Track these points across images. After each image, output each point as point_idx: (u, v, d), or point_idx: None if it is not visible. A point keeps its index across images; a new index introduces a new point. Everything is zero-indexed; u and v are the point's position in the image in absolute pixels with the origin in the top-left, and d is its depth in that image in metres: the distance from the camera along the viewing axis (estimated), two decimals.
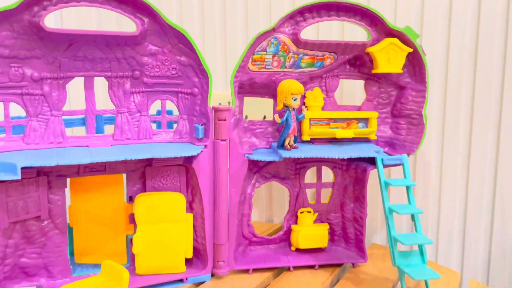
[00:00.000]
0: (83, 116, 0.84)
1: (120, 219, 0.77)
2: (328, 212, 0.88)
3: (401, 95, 0.82)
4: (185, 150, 0.72)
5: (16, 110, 0.70)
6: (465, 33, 0.88)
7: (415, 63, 0.80)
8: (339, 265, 0.84)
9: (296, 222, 0.87)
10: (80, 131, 0.90)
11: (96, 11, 1.12)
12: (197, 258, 0.81)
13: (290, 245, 0.88)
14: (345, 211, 0.87)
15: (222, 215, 0.78)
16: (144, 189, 0.78)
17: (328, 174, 0.89)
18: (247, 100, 0.82)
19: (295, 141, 0.79)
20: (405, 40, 0.77)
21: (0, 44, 0.64)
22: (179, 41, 0.73)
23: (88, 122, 0.74)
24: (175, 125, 0.79)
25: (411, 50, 0.78)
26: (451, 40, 0.90)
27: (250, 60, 0.77)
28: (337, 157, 0.76)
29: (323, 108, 0.83)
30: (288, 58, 0.78)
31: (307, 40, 0.77)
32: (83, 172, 0.73)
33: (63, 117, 0.72)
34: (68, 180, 0.73)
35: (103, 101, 0.82)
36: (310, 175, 0.90)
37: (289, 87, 0.76)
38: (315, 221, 0.87)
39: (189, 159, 0.75)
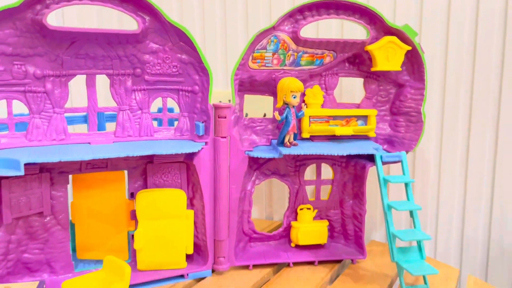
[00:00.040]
0: (84, 113, 0.85)
1: (121, 215, 0.78)
2: (327, 209, 0.89)
3: (400, 93, 0.83)
4: (186, 147, 0.73)
5: (19, 107, 0.70)
6: (463, 31, 0.89)
7: (413, 61, 0.81)
8: (339, 261, 0.85)
9: (295, 219, 0.88)
10: (81, 128, 0.90)
11: (97, 9, 1.12)
12: (197, 254, 0.82)
13: (289, 241, 0.88)
14: (345, 207, 0.87)
15: (222, 211, 0.78)
16: (145, 186, 0.78)
17: (327, 171, 0.89)
18: (247, 98, 0.83)
19: (294, 138, 0.80)
20: (404, 38, 0.78)
21: (3, 42, 0.64)
22: (180, 39, 0.73)
23: (90, 119, 0.75)
24: (176, 123, 0.80)
25: (409, 48, 0.78)
26: (449, 38, 0.90)
27: (250, 58, 0.77)
28: (336, 154, 0.77)
29: (322, 106, 0.84)
30: (288, 56, 0.79)
31: (307, 38, 0.77)
32: (85, 169, 0.74)
33: (65, 114, 0.72)
34: (70, 176, 0.74)
35: (104, 98, 0.83)
36: (309, 172, 0.91)
37: (289, 85, 0.77)
38: (314, 218, 0.88)
39: (190, 156, 0.76)
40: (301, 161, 0.87)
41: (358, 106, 0.85)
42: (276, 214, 1.10)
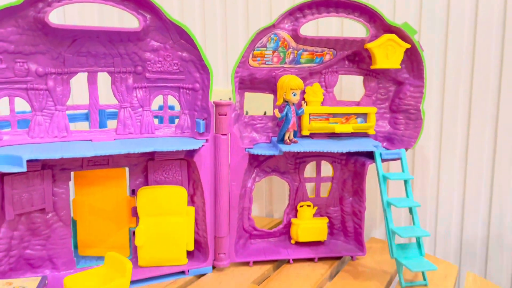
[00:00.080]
0: (86, 111, 0.86)
1: (122, 212, 0.79)
2: (327, 206, 0.89)
3: (399, 91, 0.84)
4: (187, 144, 0.74)
5: (21, 104, 0.71)
6: (463, 29, 0.89)
7: (413, 59, 0.81)
8: (338, 258, 0.85)
9: (295, 216, 0.88)
10: (83, 126, 0.91)
11: (98, 7, 1.13)
12: (198, 250, 0.82)
13: (290, 238, 0.89)
14: (344, 205, 0.88)
15: (223, 208, 0.79)
16: (146, 183, 0.79)
17: (327, 169, 0.90)
18: (248, 96, 0.83)
19: (294, 136, 0.81)
20: (403, 36, 0.79)
21: (6, 39, 0.65)
22: (181, 37, 0.74)
23: (92, 116, 0.76)
24: (176, 120, 0.80)
25: (409, 46, 0.79)
26: (449, 36, 0.91)
27: (251, 56, 0.78)
28: (336, 151, 0.78)
29: (322, 103, 0.84)
30: (288, 54, 0.79)
31: (307, 36, 0.78)
32: (87, 166, 0.75)
33: (67, 112, 0.73)
34: (72, 173, 0.75)
35: (105, 96, 0.83)
36: (309, 170, 0.92)
37: (289, 82, 0.77)
38: (314, 215, 0.88)
39: (191, 153, 0.76)
40: (301, 159, 0.87)
41: (357, 103, 0.86)
42: (276, 212, 1.10)
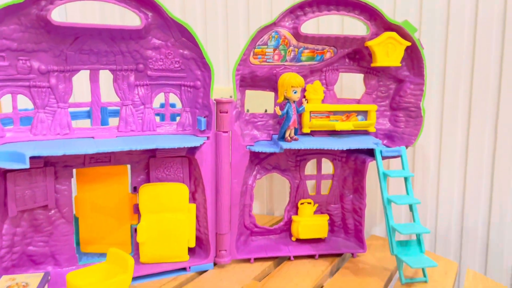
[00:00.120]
0: (87, 109, 0.86)
1: (124, 209, 0.79)
2: (328, 203, 0.90)
3: (400, 88, 0.84)
4: (188, 141, 0.74)
5: (24, 102, 0.71)
6: (463, 27, 0.90)
7: (413, 56, 0.81)
8: (339, 255, 0.86)
9: (296, 213, 0.89)
10: (85, 124, 0.91)
11: (99, 5, 1.13)
12: (199, 247, 0.83)
13: (290, 235, 0.89)
14: (345, 202, 0.88)
15: (224, 205, 0.79)
16: (148, 180, 0.79)
17: (328, 166, 0.90)
18: (249, 94, 0.84)
19: (295, 133, 0.81)
20: (403, 34, 0.79)
21: (8, 37, 0.65)
22: (182, 35, 0.74)
23: (94, 114, 0.76)
24: (178, 118, 0.81)
25: (409, 44, 0.79)
26: (449, 34, 0.91)
27: (252, 53, 0.78)
28: (336, 149, 0.78)
29: (323, 101, 0.85)
30: (289, 51, 0.80)
31: (307, 34, 0.78)
32: (89, 163, 0.75)
33: (69, 109, 0.73)
34: (74, 170, 0.75)
35: (106, 94, 0.84)
36: (310, 167, 0.92)
37: (290, 80, 0.78)
38: (315, 212, 0.89)
39: (192, 151, 0.77)
40: (301, 156, 0.88)
41: (358, 101, 0.86)
42: (276, 210, 1.11)
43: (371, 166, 0.83)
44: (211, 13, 1.08)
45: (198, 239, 0.82)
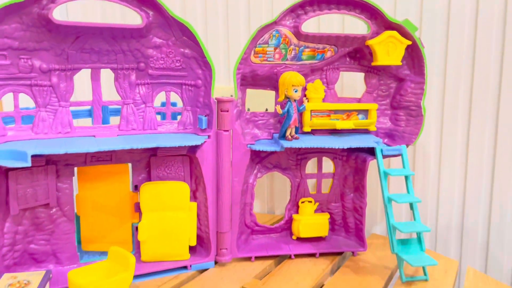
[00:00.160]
0: (89, 107, 0.87)
1: (125, 207, 0.79)
2: (328, 202, 0.90)
3: (400, 87, 0.84)
4: (189, 140, 0.74)
5: (26, 100, 0.72)
6: (463, 26, 0.90)
7: (414, 55, 0.81)
8: (339, 253, 0.86)
9: (297, 212, 0.89)
10: (86, 122, 0.92)
11: (100, 4, 1.14)
12: (200, 246, 0.83)
13: (291, 234, 0.89)
14: (345, 201, 0.88)
15: (225, 204, 0.80)
16: (149, 179, 0.80)
17: (328, 165, 0.90)
18: (249, 93, 0.84)
19: (296, 132, 0.81)
20: (404, 33, 0.79)
21: (10, 36, 0.65)
22: (183, 33, 0.74)
23: (95, 113, 0.76)
24: (179, 117, 0.81)
25: (410, 42, 0.79)
26: (449, 33, 0.91)
27: (252, 52, 0.78)
28: (337, 147, 0.78)
29: (323, 100, 0.85)
30: (290, 50, 0.80)
31: (308, 33, 0.78)
32: (90, 162, 0.75)
33: (70, 108, 0.74)
34: (75, 169, 0.75)
35: (107, 93, 0.84)
36: (311, 166, 0.92)
37: (291, 79, 0.78)
38: (315, 211, 0.89)
39: (193, 149, 0.77)
40: (302, 155, 0.88)
41: (359, 100, 0.86)
42: (277, 209, 1.11)
43: (372, 164, 0.83)
44: (211, 12, 1.08)
45: (199, 237, 0.82)
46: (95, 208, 0.79)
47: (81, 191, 0.78)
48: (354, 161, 0.86)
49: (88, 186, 0.78)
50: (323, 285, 0.77)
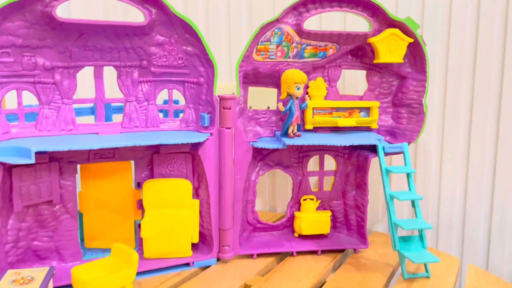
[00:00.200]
0: (91, 105, 0.87)
1: (128, 204, 0.80)
2: (330, 200, 0.90)
3: (402, 85, 0.84)
4: (192, 137, 0.74)
5: (29, 98, 0.72)
6: (465, 23, 0.90)
7: (415, 53, 0.82)
8: (341, 250, 0.86)
9: (299, 209, 0.89)
10: (88, 120, 0.92)
11: (102, 2, 1.14)
12: (203, 243, 0.83)
13: (293, 231, 0.90)
14: (347, 198, 0.89)
15: (227, 201, 0.80)
16: (151, 176, 0.80)
17: (330, 163, 0.91)
18: (251, 90, 0.84)
19: (298, 130, 0.82)
20: (406, 31, 0.79)
21: (14, 33, 0.66)
22: (186, 31, 0.75)
23: (98, 110, 0.77)
24: (181, 114, 0.81)
25: (411, 40, 0.79)
26: (451, 31, 0.91)
27: (255, 50, 0.79)
28: (339, 145, 0.78)
29: (325, 98, 0.85)
30: (292, 48, 0.80)
31: (310, 31, 0.78)
32: (93, 159, 0.76)
33: (73, 105, 0.74)
34: (78, 166, 0.76)
35: (110, 90, 0.84)
36: (312, 164, 0.93)
37: (293, 76, 0.78)
38: (317, 208, 0.89)
39: (195, 147, 0.77)
40: (304, 152, 0.88)
41: (360, 98, 0.86)
42: (279, 207, 1.11)
43: (373, 162, 0.83)
44: (213, 10, 1.08)
45: (201, 234, 0.82)
46: (98, 205, 0.79)
47: (84, 188, 0.78)
48: (356, 159, 0.86)
49: (91, 183, 0.78)
50: (325, 282, 0.77)
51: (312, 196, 0.89)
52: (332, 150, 0.88)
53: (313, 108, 0.83)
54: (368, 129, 0.86)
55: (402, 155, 0.81)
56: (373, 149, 0.83)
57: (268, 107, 0.91)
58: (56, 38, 0.69)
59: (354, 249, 0.86)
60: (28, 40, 0.67)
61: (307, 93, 0.84)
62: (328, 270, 0.80)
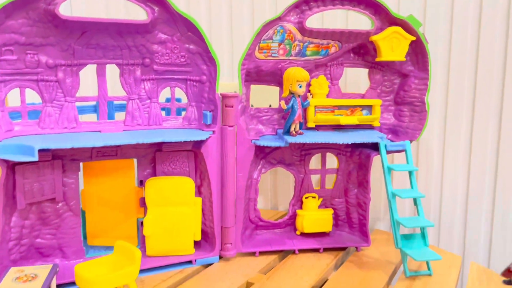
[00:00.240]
0: (94, 103, 0.87)
1: (131, 202, 0.80)
2: (332, 198, 0.90)
3: (404, 83, 0.84)
4: (194, 135, 0.75)
5: (32, 96, 0.72)
6: (467, 21, 0.90)
7: (417, 51, 0.82)
8: (343, 248, 0.86)
9: (301, 207, 0.89)
10: (91, 118, 0.92)
11: (105, 0, 1.14)
12: (205, 240, 0.84)
13: (295, 229, 0.90)
14: (349, 196, 0.89)
15: (229, 199, 0.80)
16: (154, 174, 0.80)
17: (332, 161, 0.91)
18: (253, 89, 0.84)
19: (300, 128, 0.82)
20: (408, 29, 0.79)
21: (17, 31, 0.66)
22: (188, 29, 0.75)
23: (100, 108, 0.77)
24: (183, 112, 0.81)
25: (414, 38, 0.79)
26: (453, 29, 0.91)
27: (257, 48, 0.79)
28: (341, 143, 0.79)
29: (327, 96, 0.85)
30: (294, 46, 0.80)
31: (312, 29, 0.79)
32: (96, 157, 0.76)
33: (76, 103, 0.74)
34: (81, 164, 0.76)
35: (113, 88, 0.84)
36: (314, 162, 0.93)
37: (295, 74, 0.78)
38: (319, 206, 0.89)
39: (198, 144, 0.77)
40: (306, 150, 0.88)
41: (362, 96, 0.87)
42: (281, 205, 1.11)
43: (375, 160, 0.83)
44: (215, 8, 1.08)
45: (203, 232, 0.83)
46: (101, 203, 0.79)
47: (86, 186, 0.79)
48: (358, 157, 0.87)
49: (93, 181, 0.78)
50: (327, 280, 0.77)
51: (314, 194, 0.89)
52: (334, 148, 0.88)
53: (315, 106, 0.83)
54: (370, 127, 0.86)
55: (404, 153, 0.81)
56: (375, 147, 0.83)
57: (270, 105, 0.91)
58: (59, 36, 0.69)
59: (356, 247, 0.86)
60: (31, 38, 0.67)
61: (309, 91, 0.84)
62: (330, 268, 0.80)
